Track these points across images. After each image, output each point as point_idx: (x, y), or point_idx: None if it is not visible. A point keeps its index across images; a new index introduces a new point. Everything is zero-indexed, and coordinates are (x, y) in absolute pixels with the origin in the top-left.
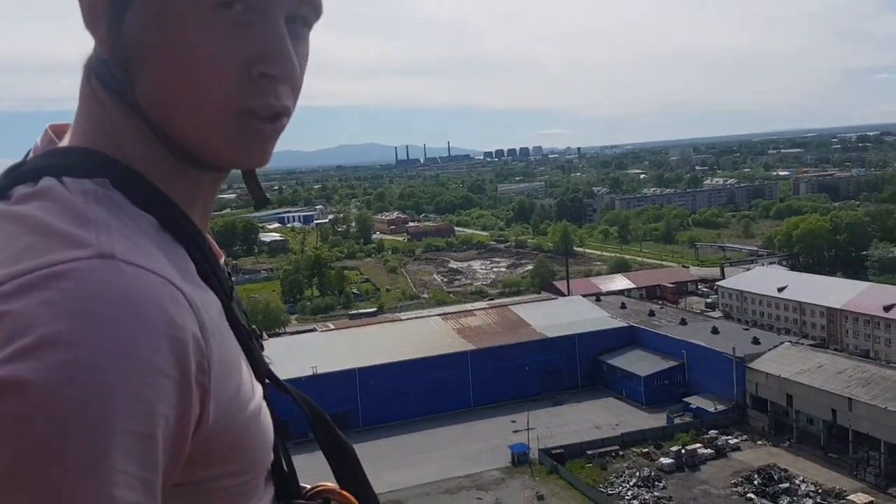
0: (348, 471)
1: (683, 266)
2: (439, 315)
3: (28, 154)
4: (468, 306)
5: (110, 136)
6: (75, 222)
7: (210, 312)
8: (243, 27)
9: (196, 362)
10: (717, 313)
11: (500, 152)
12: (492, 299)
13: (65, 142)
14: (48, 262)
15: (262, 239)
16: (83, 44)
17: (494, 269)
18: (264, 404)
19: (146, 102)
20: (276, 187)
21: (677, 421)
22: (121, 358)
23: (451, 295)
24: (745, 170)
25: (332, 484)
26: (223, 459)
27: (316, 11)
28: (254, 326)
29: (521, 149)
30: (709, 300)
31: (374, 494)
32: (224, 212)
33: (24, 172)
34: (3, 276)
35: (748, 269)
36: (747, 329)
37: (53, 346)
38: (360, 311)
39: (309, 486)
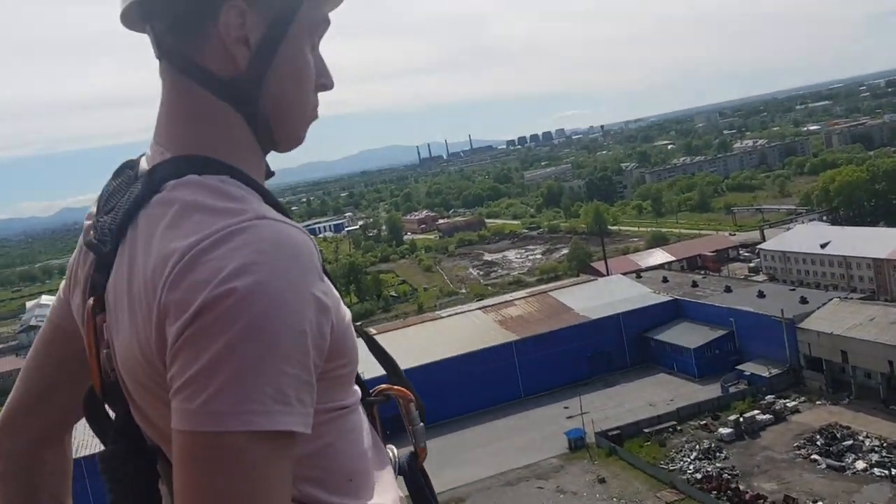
0: (396, 374)
1: (729, 234)
2: (479, 309)
3: (129, 168)
4: (507, 297)
5: (223, 139)
6: (226, 199)
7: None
8: (315, 58)
9: (325, 286)
10: (761, 277)
11: (522, 139)
12: (531, 287)
13: (171, 149)
14: (224, 225)
15: None
16: (100, 82)
17: (530, 257)
18: (351, 320)
19: (266, 110)
20: (304, 199)
21: (732, 390)
22: (288, 280)
23: (489, 287)
24: (775, 128)
25: (387, 385)
26: (339, 354)
27: (328, 29)
28: None
29: (544, 133)
30: (752, 264)
31: (413, 387)
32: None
33: (168, 173)
34: (195, 240)
35: (788, 229)
36: (794, 289)
37: (246, 270)
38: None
39: (372, 390)
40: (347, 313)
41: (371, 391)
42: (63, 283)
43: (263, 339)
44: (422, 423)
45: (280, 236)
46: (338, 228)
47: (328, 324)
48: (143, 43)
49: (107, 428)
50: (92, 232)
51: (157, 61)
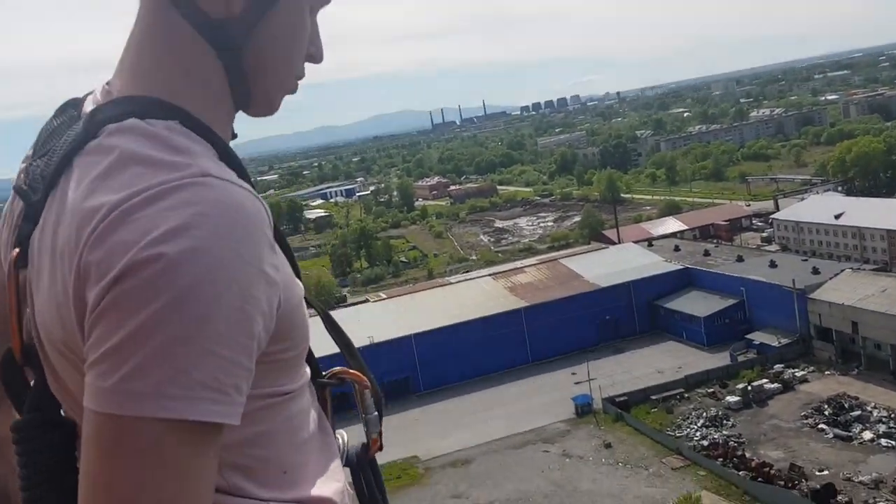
0: (352, 356)
1: (745, 204)
2: (489, 275)
3: (72, 107)
4: (518, 264)
5: (189, 82)
6: (169, 151)
7: (272, 222)
8: (311, 23)
9: (274, 258)
10: (773, 247)
11: (536, 105)
12: (541, 255)
13: (126, 88)
14: (162, 181)
15: (308, 216)
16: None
17: (541, 225)
18: (303, 298)
19: (251, 60)
20: (316, 164)
21: (741, 359)
22: (229, 248)
23: (500, 254)
24: (792, 97)
25: (340, 368)
26: (284, 336)
27: (327, 4)
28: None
29: (559, 99)
30: (764, 234)
31: (370, 373)
32: (268, 192)
33: (108, 116)
34: (127, 195)
35: (802, 199)
36: (806, 260)
37: (180, 233)
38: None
39: (325, 372)
40: (299, 289)
41: (324, 373)
42: None
43: (194, 314)
44: (376, 412)
45: (224, 197)
46: (349, 193)
47: (276, 302)
48: None
49: (23, 395)
50: (23, 176)
51: None
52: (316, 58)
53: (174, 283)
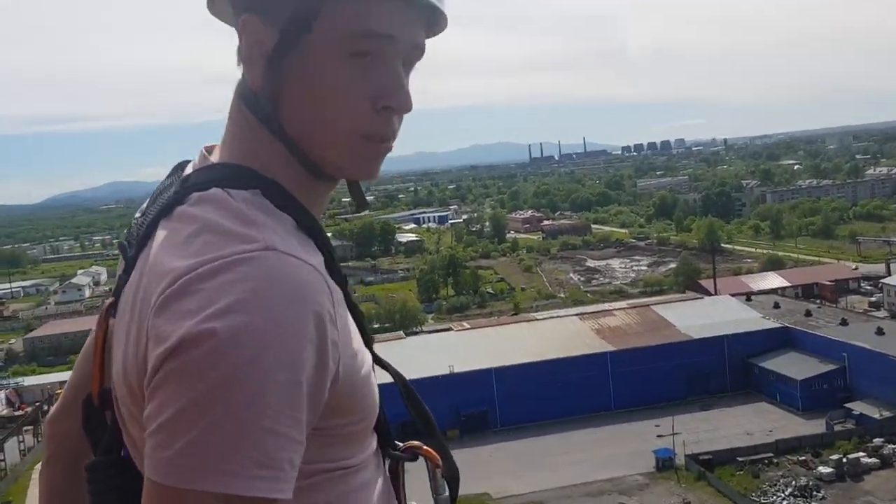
0: (431, 432)
1: (853, 265)
2: (577, 315)
3: (181, 168)
4: (607, 306)
5: (257, 156)
6: (243, 223)
7: (338, 294)
8: (371, 71)
9: (331, 332)
10: (882, 313)
11: (639, 146)
12: (633, 299)
13: (216, 157)
14: (228, 252)
15: (399, 239)
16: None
17: (635, 268)
18: (372, 370)
19: (290, 128)
20: (412, 188)
21: (838, 428)
22: (281, 324)
23: (589, 294)
24: None
25: (418, 442)
26: (347, 410)
27: (422, 55)
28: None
29: (662, 142)
30: (873, 299)
31: (450, 452)
32: (363, 213)
33: (195, 184)
34: (195, 263)
35: None
36: None
37: (235, 310)
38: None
39: (401, 444)
40: (366, 361)
41: (400, 447)
42: None
43: (246, 390)
44: (447, 494)
45: (282, 272)
46: (442, 220)
47: (330, 376)
48: None
49: (100, 437)
50: (126, 231)
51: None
52: (394, 108)
53: (226, 359)
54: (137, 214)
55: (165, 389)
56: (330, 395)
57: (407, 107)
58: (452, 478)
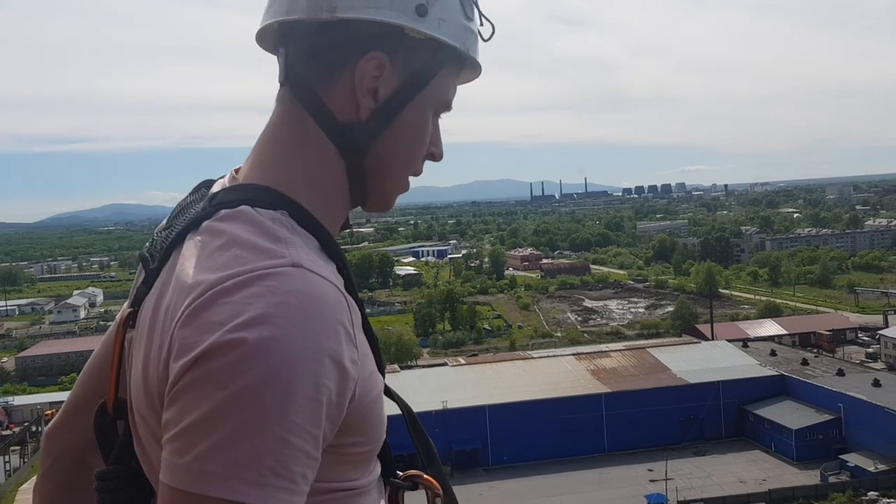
0: (432, 462)
1: (846, 315)
2: (573, 355)
3: (206, 186)
4: (603, 347)
5: (308, 177)
6: (269, 239)
7: (358, 316)
8: (433, 126)
9: (351, 351)
10: (879, 364)
11: (639, 189)
12: (629, 341)
13: (246, 177)
14: (256, 267)
15: (397, 272)
16: (238, 87)
17: (632, 310)
18: (382, 393)
19: (371, 162)
20: (412, 221)
21: (832, 479)
22: (307, 339)
23: (586, 335)
24: None
25: (417, 471)
26: (357, 430)
27: (447, 112)
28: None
29: (663, 185)
30: (870, 350)
31: (449, 482)
32: (362, 245)
33: (224, 201)
34: (223, 277)
35: None
36: None
37: (262, 321)
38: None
39: (401, 473)
40: (379, 384)
41: (400, 475)
42: None
43: (269, 401)
44: None
45: (308, 289)
46: (441, 254)
47: (348, 395)
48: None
49: (111, 446)
50: (148, 244)
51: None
52: (436, 156)
53: (252, 369)
54: (161, 227)
55: (188, 396)
56: (346, 412)
57: (441, 156)
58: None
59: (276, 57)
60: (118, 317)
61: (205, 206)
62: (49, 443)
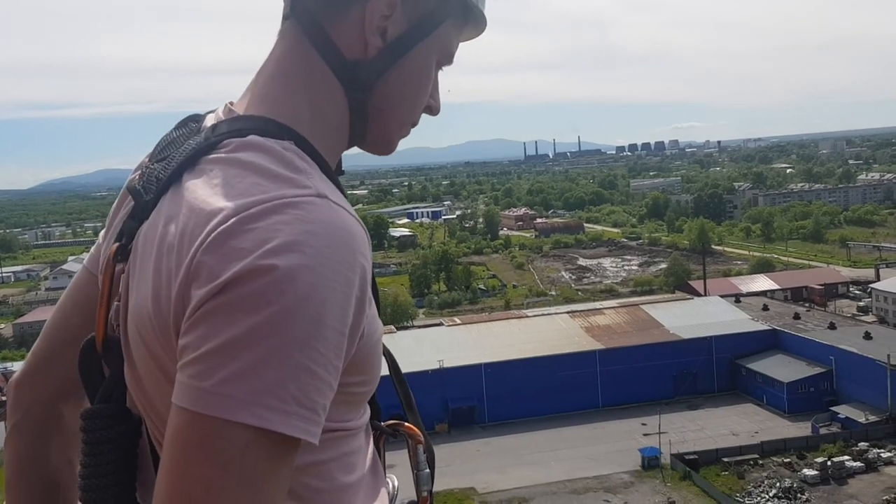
0: (410, 408)
1: (838, 269)
2: (567, 313)
3: (194, 120)
4: (597, 305)
5: (312, 112)
6: (288, 168)
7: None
8: (434, 77)
9: (368, 287)
10: (870, 318)
11: (633, 146)
12: (623, 298)
13: (247, 111)
14: (280, 195)
15: (392, 234)
16: (228, 50)
17: (626, 268)
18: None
19: (374, 101)
20: (406, 183)
21: (823, 431)
22: (335, 270)
23: (580, 293)
24: None
25: (398, 420)
26: (361, 369)
27: (449, 65)
28: None
29: (656, 143)
30: (861, 303)
31: (424, 429)
32: (356, 207)
33: (230, 131)
34: (248, 203)
35: None
36: None
37: (293, 249)
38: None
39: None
40: (380, 327)
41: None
42: (102, 231)
43: (298, 329)
44: (428, 469)
45: (337, 220)
46: (435, 215)
47: (360, 331)
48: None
49: (98, 385)
50: (138, 177)
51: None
52: (433, 109)
53: (284, 295)
54: (147, 160)
55: (213, 321)
56: (354, 350)
57: (438, 110)
58: (431, 454)
59: None
60: (104, 254)
61: (207, 136)
62: (17, 394)
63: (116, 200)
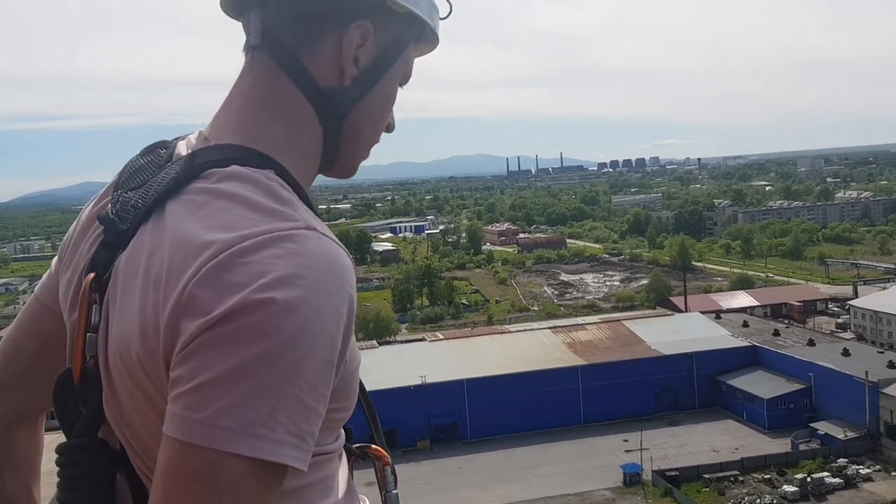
0: (377, 432)
1: (817, 286)
2: (549, 328)
3: (161, 147)
4: (579, 320)
5: (288, 140)
6: (275, 200)
7: None
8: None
9: (352, 318)
10: (848, 335)
11: (614, 163)
12: (604, 314)
13: (220, 139)
14: (272, 228)
15: (375, 248)
16: (211, 63)
17: (607, 283)
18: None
19: (348, 127)
20: (389, 197)
21: (803, 447)
22: (326, 302)
23: (562, 308)
24: (882, 182)
25: (366, 443)
26: (341, 395)
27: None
28: None
29: (637, 159)
30: (840, 320)
31: (388, 451)
32: (339, 221)
33: (210, 160)
34: (239, 237)
35: (884, 289)
36: (882, 352)
37: (289, 282)
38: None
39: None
40: (359, 354)
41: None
42: (55, 259)
43: (291, 361)
44: (396, 490)
45: (326, 252)
46: (418, 230)
47: (344, 359)
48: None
49: (74, 418)
50: (110, 206)
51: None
52: (391, 127)
53: (281, 328)
54: (109, 189)
55: (208, 353)
56: (336, 378)
57: (394, 128)
58: (394, 473)
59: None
60: (74, 286)
61: (186, 165)
62: None
63: (76, 228)
